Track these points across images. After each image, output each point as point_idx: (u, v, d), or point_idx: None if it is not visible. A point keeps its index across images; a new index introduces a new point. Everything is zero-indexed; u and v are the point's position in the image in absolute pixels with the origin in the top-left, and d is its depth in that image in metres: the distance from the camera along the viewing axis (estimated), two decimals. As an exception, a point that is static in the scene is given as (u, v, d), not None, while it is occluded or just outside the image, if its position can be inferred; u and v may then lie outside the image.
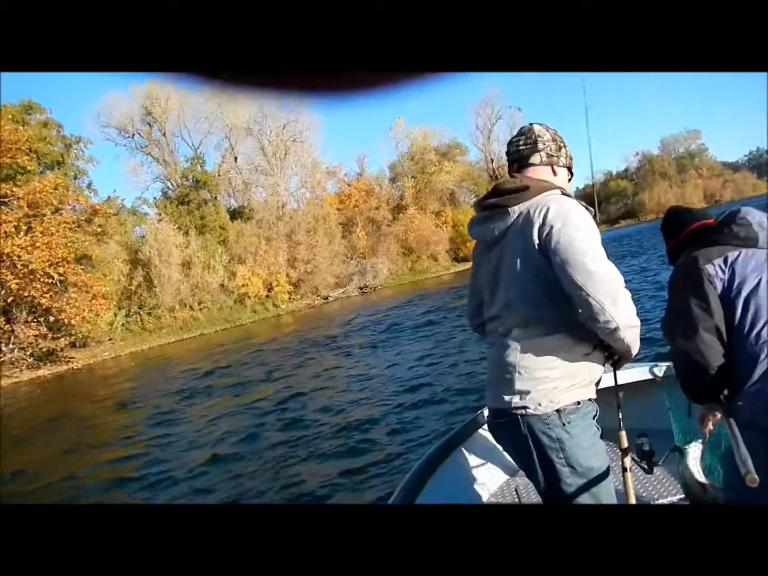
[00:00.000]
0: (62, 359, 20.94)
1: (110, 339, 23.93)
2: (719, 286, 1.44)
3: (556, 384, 1.47)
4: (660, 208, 70.38)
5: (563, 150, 1.62)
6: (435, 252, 42.93)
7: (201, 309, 28.68)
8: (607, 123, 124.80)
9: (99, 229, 23.58)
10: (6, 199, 19.50)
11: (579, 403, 1.49)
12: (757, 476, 1.27)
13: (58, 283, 19.69)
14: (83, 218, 22.84)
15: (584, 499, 1.47)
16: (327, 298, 33.82)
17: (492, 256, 1.60)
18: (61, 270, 19.51)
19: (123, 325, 25.38)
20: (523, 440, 1.50)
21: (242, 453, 6.03)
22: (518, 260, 1.49)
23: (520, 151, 1.60)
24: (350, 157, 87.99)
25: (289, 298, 32.83)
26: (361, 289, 35.93)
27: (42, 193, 19.60)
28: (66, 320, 20.18)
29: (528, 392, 1.47)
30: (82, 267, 21.26)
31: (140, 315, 26.48)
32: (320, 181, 42.09)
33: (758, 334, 1.35)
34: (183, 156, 37.66)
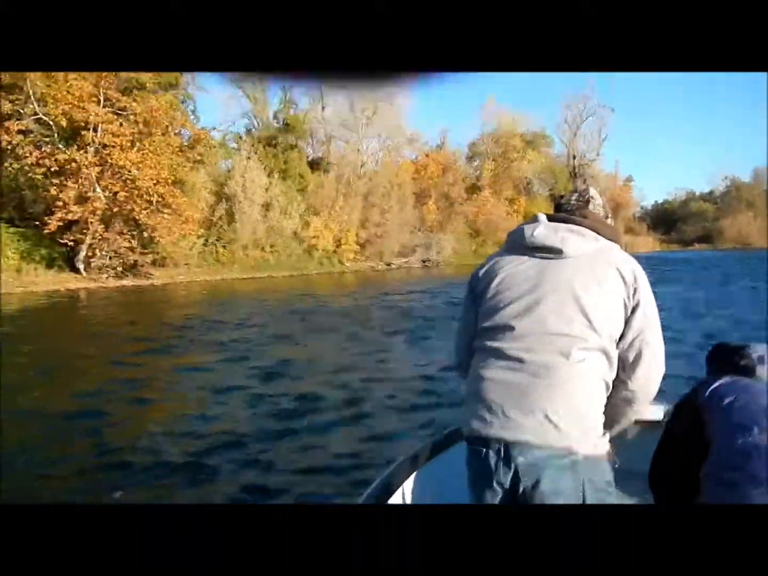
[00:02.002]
0: (143, 274, 22.03)
1: (186, 264, 24.89)
2: (704, 400, 1.69)
3: (600, 421, 1.44)
4: (740, 237, 67.53)
5: (608, 220, 1.64)
6: (501, 239, 42.04)
7: (272, 252, 29.41)
8: (697, 141, 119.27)
9: (199, 157, 24.28)
10: (124, 113, 20.26)
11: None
12: None
13: (155, 202, 20.53)
14: (186, 144, 23.58)
15: None
16: (390, 265, 34.10)
17: (537, 266, 1.50)
18: (161, 190, 20.29)
19: (199, 253, 26.30)
20: (575, 488, 1.34)
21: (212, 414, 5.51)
22: (596, 287, 1.43)
23: (571, 205, 1.61)
24: (431, 129, 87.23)
25: (354, 257, 33.26)
26: (424, 261, 36.03)
27: (158, 111, 20.25)
28: (157, 238, 21.11)
29: (591, 428, 1.39)
30: (179, 191, 22.08)
31: (216, 247, 27.34)
32: (400, 146, 41.99)
33: (726, 433, 1.56)
34: (272, 97, 38.06)
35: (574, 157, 54.62)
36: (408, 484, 2.17)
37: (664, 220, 74.48)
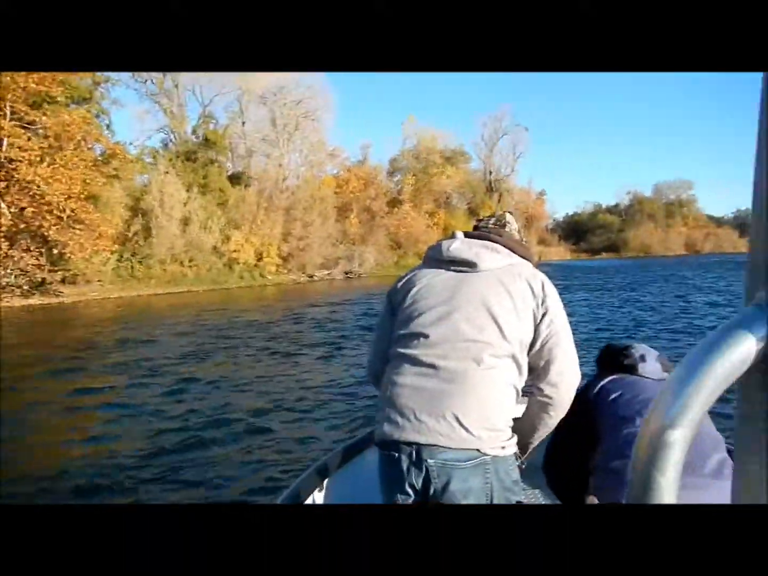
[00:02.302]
0: (52, 292, 21.43)
1: (99, 281, 24.30)
2: (592, 397, 1.79)
3: (509, 424, 1.48)
4: (642, 247, 72.96)
5: (523, 242, 1.74)
6: (421, 251, 43.24)
7: (191, 266, 29.15)
8: (605, 159, 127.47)
9: (114, 172, 23.86)
10: (33, 127, 19.75)
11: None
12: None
13: (66, 218, 20.08)
14: (101, 158, 23.18)
15: None
16: (312, 277, 34.52)
17: (453, 278, 1.58)
18: (73, 205, 19.85)
19: (113, 269, 25.74)
20: (483, 487, 1.41)
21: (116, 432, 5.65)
22: (507, 299, 1.51)
23: (489, 228, 1.71)
24: (354, 144, 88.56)
25: (276, 270, 33.46)
26: (346, 273, 36.69)
27: (71, 126, 19.84)
28: (68, 255, 20.61)
29: (500, 431, 1.43)
30: (92, 206, 21.69)
31: (131, 262, 26.79)
32: (322, 162, 42.66)
33: (612, 426, 1.65)
34: (190, 111, 37.85)
35: (491, 173, 57.29)
36: (319, 491, 2.19)
37: (574, 231, 78.94)
